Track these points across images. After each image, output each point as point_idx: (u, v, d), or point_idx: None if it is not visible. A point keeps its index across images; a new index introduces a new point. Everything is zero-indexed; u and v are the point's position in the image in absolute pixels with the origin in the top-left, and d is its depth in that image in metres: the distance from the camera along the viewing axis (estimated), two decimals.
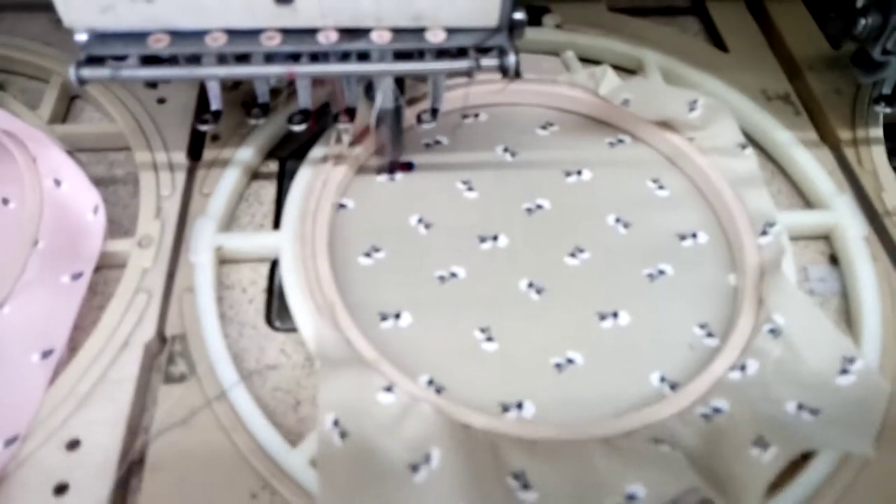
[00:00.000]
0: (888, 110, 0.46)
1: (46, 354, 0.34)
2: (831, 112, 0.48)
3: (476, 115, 0.49)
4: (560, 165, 0.46)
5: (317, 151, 0.44)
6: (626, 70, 0.51)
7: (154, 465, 0.32)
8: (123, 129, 0.44)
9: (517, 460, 0.31)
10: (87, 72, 0.32)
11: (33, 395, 0.33)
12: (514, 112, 0.49)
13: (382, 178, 0.45)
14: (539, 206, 0.44)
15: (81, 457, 0.32)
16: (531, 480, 0.31)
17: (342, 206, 0.43)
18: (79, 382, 0.34)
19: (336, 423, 0.32)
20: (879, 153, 0.45)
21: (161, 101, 0.46)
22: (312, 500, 0.31)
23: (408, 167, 0.45)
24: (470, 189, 0.45)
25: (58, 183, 0.41)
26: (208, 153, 0.44)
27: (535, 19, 0.53)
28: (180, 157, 0.43)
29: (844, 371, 0.34)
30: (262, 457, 0.32)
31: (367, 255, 0.41)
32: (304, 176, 0.43)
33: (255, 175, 0.45)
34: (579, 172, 0.45)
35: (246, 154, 0.44)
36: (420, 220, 0.43)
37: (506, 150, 0.47)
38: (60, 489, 0.31)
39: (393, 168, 0.45)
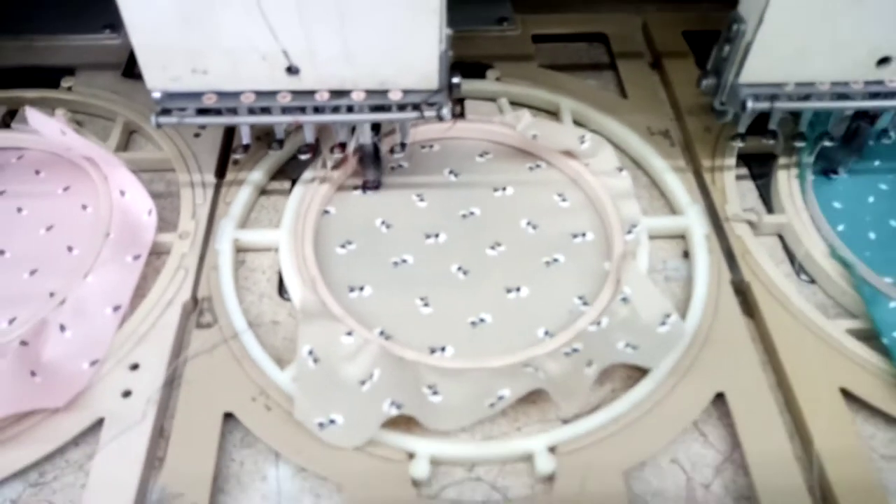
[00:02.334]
0: (740, 144, 0.60)
1: (116, 308, 0.50)
2: (699, 144, 0.62)
3: (431, 146, 0.64)
4: (490, 184, 0.61)
5: (307, 174, 0.59)
6: (548, 112, 0.67)
7: (188, 379, 0.47)
8: (169, 155, 0.61)
9: (431, 377, 0.46)
10: (163, 119, 0.49)
11: (108, 334, 0.49)
12: (459, 144, 0.64)
13: (357, 192, 0.61)
14: (472, 213, 0.59)
15: (140, 374, 0.47)
16: (439, 390, 0.45)
17: (326, 211, 0.59)
18: (138, 326, 0.49)
19: (310, 352, 0.47)
20: (729, 176, 0.60)
21: (197, 135, 0.62)
22: (292, 403, 0.45)
23: (376, 186, 0.61)
24: (422, 200, 0.60)
25: (123, 193, 0.57)
26: (230, 173, 0.60)
27: (481, 73, 0.69)
28: (210, 177, 0.59)
29: (663, 323, 0.48)
30: (259, 374, 0.47)
31: (343, 246, 0.57)
32: (298, 191, 0.58)
33: (266, 191, 0.61)
34: (504, 189, 0.61)
35: (256, 175, 0.60)
36: (383, 222, 0.58)
37: (451, 172, 0.62)
38: (126, 394, 0.46)
39: (365, 186, 0.61)
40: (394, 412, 0.44)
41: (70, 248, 0.55)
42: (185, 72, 0.47)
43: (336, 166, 0.59)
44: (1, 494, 0.43)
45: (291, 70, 0.47)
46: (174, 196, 0.59)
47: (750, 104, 0.52)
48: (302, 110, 0.50)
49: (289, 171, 0.62)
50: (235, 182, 0.59)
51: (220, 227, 0.55)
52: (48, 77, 0.68)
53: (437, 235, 0.57)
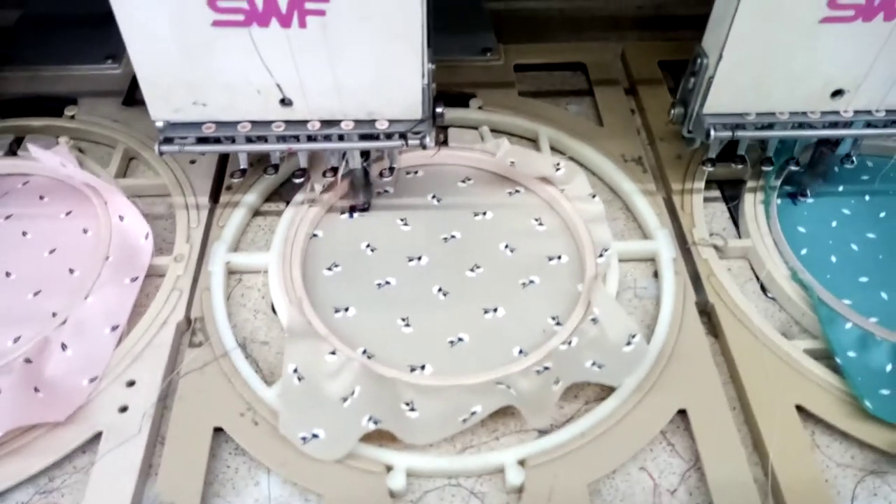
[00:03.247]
0: (710, 169, 0.63)
1: (114, 328, 0.53)
2: (670, 170, 0.66)
3: (416, 172, 0.68)
4: (471, 208, 0.64)
5: (298, 196, 0.63)
6: (528, 139, 0.70)
7: (181, 395, 0.50)
8: (166, 181, 0.64)
9: (408, 394, 0.49)
10: (165, 147, 0.52)
11: (106, 352, 0.52)
12: (443, 170, 0.68)
13: (344, 216, 0.64)
14: (453, 237, 0.62)
15: (136, 390, 0.50)
16: (416, 406, 0.48)
17: (314, 235, 0.62)
18: (134, 345, 0.52)
19: (295, 370, 0.50)
20: (698, 200, 0.63)
21: (192, 161, 0.66)
22: (277, 418, 0.48)
23: (365, 208, 0.64)
24: (405, 224, 0.63)
25: (121, 218, 0.60)
26: (224, 198, 0.63)
27: (464, 102, 0.72)
28: (204, 201, 0.63)
29: (628, 343, 0.51)
30: (248, 390, 0.50)
31: (329, 268, 0.60)
32: (288, 213, 0.62)
33: (261, 212, 0.64)
34: (484, 213, 0.64)
35: (251, 197, 0.63)
36: (368, 245, 0.61)
37: (434, 196, 0.65)
38: (123, 409, 0.49)
39: (352, 210, 0.64)
40: (372, 427, 0.46)
41: (71, 271, 0.58)
42: (186, 104, 0.51)
43: (326, 190, 0.62)
44: (12, 499, 0.46)
45: (285, 102, 0.51)
46: (170, 220, 0.62)
47: (714, 133, 0.55)
48: (295, 138, 0.53)
49: (283, 193, 0.65)
50: (230, 204, 0.62)
51: (213, 250, 0.59)
52: (52, 106, 0.72)
53: (419, 258, 0.60)
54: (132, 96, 0.74)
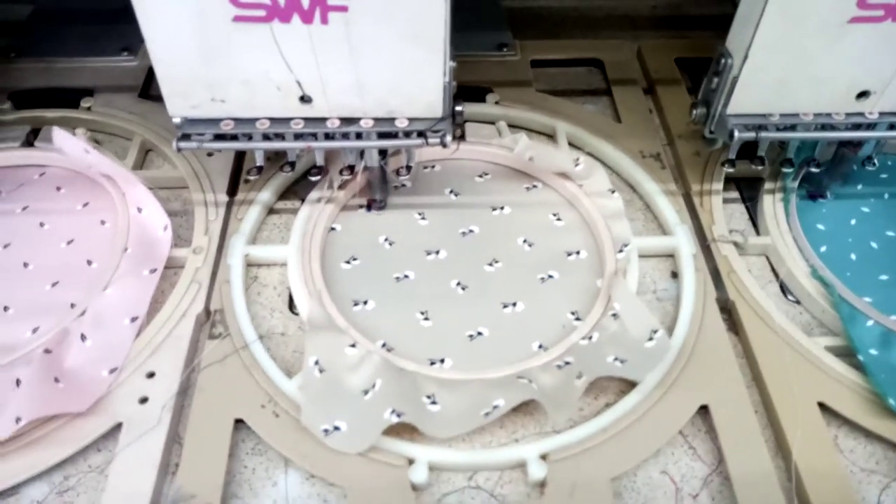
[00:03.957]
0: (731, 170, 0.63)
1: (134, 319, 0.53)
2: (689, 168, 0.65)
3: (433, 167, 0.68)
4: (489, 203, 0.64)
5: (314, 194, 0.62)
6: (545, 135, 0.70)
7: (201, 387, 0.50)
8: (184, 174, 0.64)
9: (430, 388, 0.49)
10: (183, 144, 0.52)
11: (126, 343, 0.52)
12: (460, 164, 0.67)
13: (362, 211, 0.64)
14: (471, 231, 0.62)
15: (155, 381, 0.50)
16: (438, 399, 0.48)
17: (332, 229, 0.62)
18: (154, 336, 0.52)
19: (316, 362, 0.50)
20: (717, 199, 0.63)
21: (210, 154, 0.66)
22: (299, 411, 0.48)
23: (382, 206, 0.64)
24: (423, 218, 0.63)
25: (140, 210, 0.60)
26: (241, 192, 0.63)
27: (481, 97, 0.72)
28: (222, 195, 0.62)
29: (650, 338, 0.51)
30: (268, 383, 0.50)
31: (348, 262, 0.59)
32: (305, 209, 0.61)
33: (275, 210, 0.64)
34: (502, 208, 0.64)
35: (266, 195, 0.63)
36: (386, 239, 0.61)
37: (451, 191, 0.65)
38: (143, 400, 0.49)
39: (370, 205, 0.64)
40: (395, 420, 0.46)
41: (89, 262, 0.58)
42: (204, 100, 0.51)
43: (342, 186, 0.62)
44: (27, 495, 0.45)
45: (304, 99, 0.51)
46: (189, 214, 0.62)
47: (737, 134, 0.55)
48: (314, 136, 0.53)
49: (297, 191, 0.65)
50: (246, 201, 0.62)
51: (232, 243, 0.58)
52: (69, 98, 0.72)
53: (437, 252, 0.60)
54: (147, 90, 0.74)
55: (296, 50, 0.48)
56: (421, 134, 0.53)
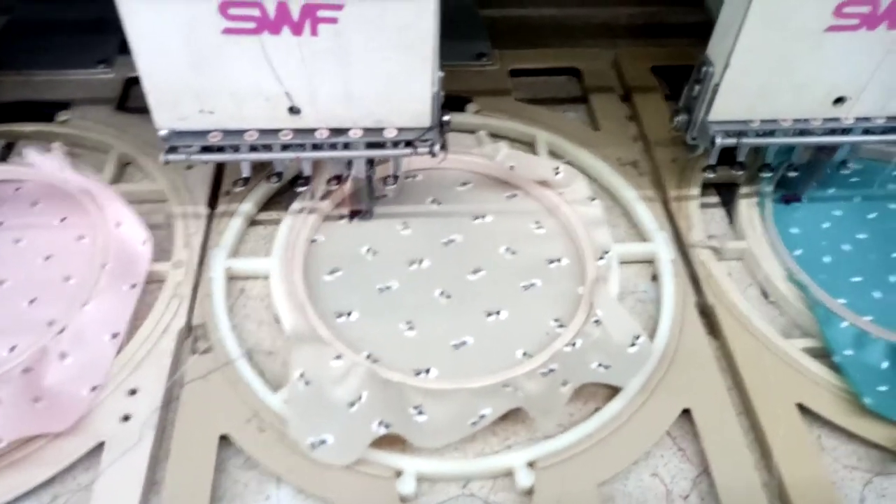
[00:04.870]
0: (712, 175, 0.64)
1: (114, 336, 0.52)
2: (666, 174, 0.66)
3: (415, 176, 0.68)
4: (471, 212, 0.64)
5: (296, 205, 0.62)
6: (525, 144, 0.71)
7: (185, 403, 0.49)
8: (163, 187, 0.63)
9: (416, 398, 0.49)
10: (171, 156, 0.51)
11: (106, 360, 0.51)
12: (442, 174, 0.68)
13: (343, 221, 0.64)
14: (453, 240, 0.62)
15: (138, 399, 0.49)
16: (424, 410, 0.48)
17: (314, 240, 0.62)
18: (136, 353, 0.52)
19: (301, 375, 0.49)
20: (694, 204, 0.64)
21: (189, 167, 0.65)
22: (284, 425, 0.48)
23: (367, 215, 0.64)
24: (406, 227, 0.63)
25: (118, 224, 0.59)
26: (222, 205, 0.63)
27: (460, 107, 0.73)
28: (202, 208, 0.62)
29: (633, 344, 0.51)
30: (253, 397, 0.49)
31: (331, 273, 0.59)
32: (287, 220, 0.61)
33: (256, 221, 0.63)
34: (483, 216, 0.64)
35: (247, 206, 0.62)
36: (368, 250, 0.61)
37: (433, 200, 0.65)
38: (125, 418, 0.48)
39: (352, 215, 0.64)
40: (382, 431, 0.46)
41: (67, 278, 0.57)
42: (192, 112, 0.50)
43: (324, 197, 0.62)
44: None
45: (293, 110, 0.51)
46: (170, 227, 0.61)
47: (719, 140, 0.56)
48: (302, 147, 0.53)
49: (280, 202, 0.65)
50: (227, 213, 0.62)
51: (213, 256, 0.58)
52: (44, 111, 0.71)
53: (420, 262, 0.60)
54: (125, 102, 0.73)
55: (285, 61, 0.48)
56: (408, 143, 0.54)
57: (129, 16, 0.46)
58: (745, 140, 0.57)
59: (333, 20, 0.46)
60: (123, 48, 0.78)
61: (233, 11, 0.46)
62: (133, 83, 0.75)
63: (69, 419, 0.47)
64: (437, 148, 0.53)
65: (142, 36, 0.47)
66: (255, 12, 0.46)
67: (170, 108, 0.51)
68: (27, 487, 0.45)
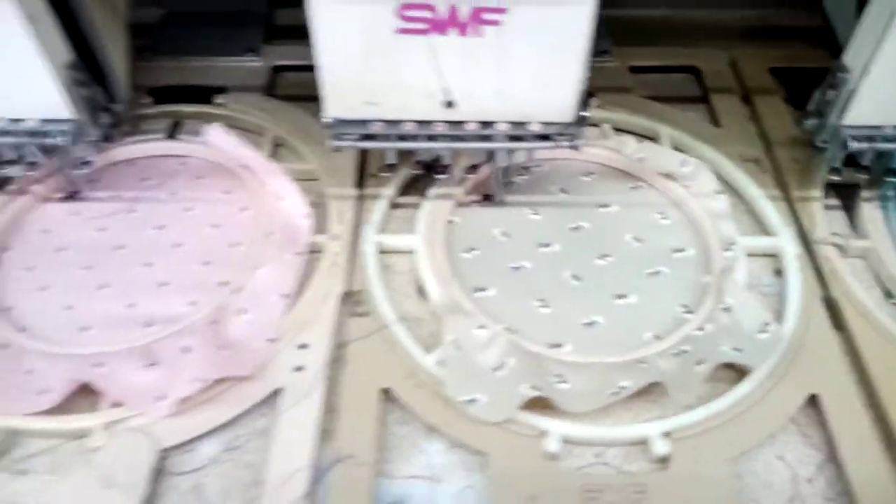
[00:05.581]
0: (837, 178, 0.66)
1: (284, 296, 0.59)
2: (788, 173, 0.69)
3: (540, 165, 0.72)
4: (596, 201, 0.68)
5: (434, 190, 0.67)
6: (647, 138, 0.74)
7: (349, 360, 0.55)
8: (315, 167, 0.69)
9: (557, 368, 0.53)
10: (339, 142, 0.58)
11: (279, 317, 0.57)
12: (567, 164, 0.71)
13: (477, 206, 0.68)
14: (580, 227, 0.66)
15: (308, 352, 0.55)
16: (566, 378, 0.53)
17: (450, 221, 0.67)
18: (303, 313, 0.58)
19: (454, 341, 0.55)
20: (817, 203, 0.66)
21: (336, 149, 0.71)
22: (438, 383, 0.53)
23: (500, 202, 0.68)
24: (535, 214, 0.67)
25: (279, 199, 0.66)
26: (368, 187, 0.68)
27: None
28: (350, 188, 0.68)
29: (763, 331, 0.54)
30: (409, 358, 0.55)
31: (467, 251, 0.64)
32: (427, 204, 0.66)
33: (396, 204, 0.68)
34: (608, 206, 0.68)
35: (389, 191, 0.68)
36: (502, 232, 0.66)
37: (561, 189, 0.69)
38: (298, 368, 0.54)
39: (486, 200, 0.68)
40: (532, 393, 0.51)
41: (234, 244, 0.64)
42: (359, 104, 0.56)
43: (461, 183, 0.67)
44: (202, 451, 0.51)
45: (449, 104, 0.56)
46: (318, 205, 0.67)
47: (851, 144, 0.58)
48: (453, 138, 0.58)
49: (417, 187, 0.70)
50: (371, 196, 0.67)
51: (365, 231, 0.64)
52: (198, 94, 0.78)
53: (550, 245, 0.64)
54: (272, 88, 0.80)
55: (449, 59, 0.53)
56: (548, 137, 0.58)
57: (318, 17, 0.51)
58: (877, 145, 0.59)
59: (497, 22, 0.51)
60: (267, 38, 0.86)
61: (409, 13, 0.51)
62: (279, 71, 0.82)
63: (252, 365, 0.54)
64: (579, 142, 0.57)
65: (326, 36, 0.52)
66: (428, 14, 0.51)
67: (340, 100, 0.56)
68: (214, 425, 0.52)
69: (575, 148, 0.57)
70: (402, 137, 0.58)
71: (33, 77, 0.54)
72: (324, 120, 0.58)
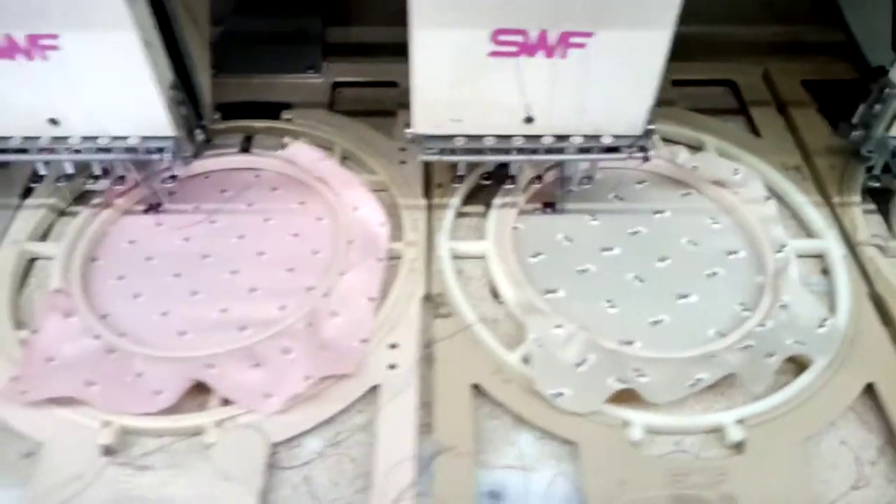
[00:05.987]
0: (878, 184, 0.71)
1: (371, 299, 0.63)
2: (827, 180, 0.73)
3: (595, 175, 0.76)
4: (650, 208, 0.72)
5: (498, 199, 0.71)
6: (693, 148, 0.78)
7: (438, 358, 0.59)
8: (385, 178, 0.74)
9: (635, 364, 0.58)
10: (426, 157, 0.61)
11: (369, 319, 0.61)
12: (620, 173, 0.76)
13: (538, 213, 0.73)
14: (638, 231, 0.70)
15: (399, 351, 0.59)
16: (645, 372, 0.57)
17: (516, 228, 0.71)
18: (389, 315, 0.62)
19: (536, 339, 0.59)
20: (857, 208, 0.71)
21: (402, 162, 0.75)
22: (524, 377, 0.57)
23: (561, 209, 0.73)
24: (594, 220, 0.72)
25: (355, 208, 0.70)
26: (435, 197, 0.72)
27: None
28: (419, 199, 0.72)
29: (821, 326, 0.59)
30: (493, 355, 0.59)
31: (534, 256, 0.68)
32: (493, 213, 0.70)
33: (461, 213, 0.73)
34: (662, 212, 0.72)
35: (455, 200, 0.72)
36: (564, 237, 0.70)
37: (616, 196, 0.74)
38: (392, 366, 0.58)
39: (548, 208, 0.73)
40: (618, 386, 0.55)
41: (315, 252, 0.68)
42: (445, 120, 0.60)
43: (524, 192, 0.71)
44: (307, 446, 0.55)
45: (529, 120, 0.60)
46: (392, 215, 0.71)
47: None
48: (531, 151, 0.62)
49: (480, 197, 0.74)
50: (440, 205, 0.71)
51: (439, 238, 0.68)
52: (266, 110, 0.82)
53: (611, 249, 0.69)
54: (333, 104, 0.84)
55: (534, 79, 0.57)
56: (616, 149, 0.62)
57: (418, 41, 0.55)
58: None
59: (582, 45, 0.55)
60: (326, 55, 0.90)
61: (501, 38, 0.55)
62: (338, 87, 0.86)
63: (352, 363, 0.57)
64: (650, 154, 0.62)
65: (424, 57, 0.56)
66: (520, 38, 0.55)
67: (428, 117, 0.60)
68: (318, 420, 0.56)
69: (647, 159, 0.62)
70: (481, 151, 0.63)
71: (143, 97, 0.58)
72: (408, 134, 0.62)
